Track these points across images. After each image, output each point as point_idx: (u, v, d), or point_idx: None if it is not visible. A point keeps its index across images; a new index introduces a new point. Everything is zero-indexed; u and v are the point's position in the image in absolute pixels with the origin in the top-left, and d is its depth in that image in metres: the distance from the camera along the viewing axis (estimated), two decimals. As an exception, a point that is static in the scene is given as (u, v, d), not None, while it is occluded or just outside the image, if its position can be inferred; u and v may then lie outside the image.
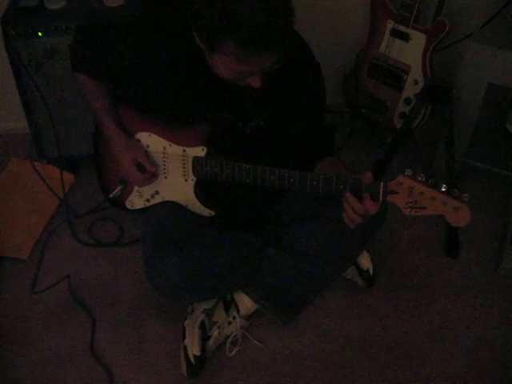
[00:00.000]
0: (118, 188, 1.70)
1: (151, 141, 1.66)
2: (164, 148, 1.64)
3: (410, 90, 2.26)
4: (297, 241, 1.72)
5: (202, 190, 1.67)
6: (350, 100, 2.51)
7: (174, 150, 1.63)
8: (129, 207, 1.79)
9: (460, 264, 2.14)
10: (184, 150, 1.62)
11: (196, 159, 1.60)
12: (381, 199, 1.40)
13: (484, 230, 2.26)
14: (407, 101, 2.27)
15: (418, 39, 2.18)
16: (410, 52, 2.22)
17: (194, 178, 1.64)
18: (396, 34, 2.24)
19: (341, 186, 1.43)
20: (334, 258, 1.73)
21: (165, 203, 1.72)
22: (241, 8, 1.22)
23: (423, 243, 2.20)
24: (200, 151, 1.60)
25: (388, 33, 2.26)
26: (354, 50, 2.48)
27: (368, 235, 1.74)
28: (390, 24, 2.24)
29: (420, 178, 1.37)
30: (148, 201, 1.75)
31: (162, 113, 1.64)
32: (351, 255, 1.83)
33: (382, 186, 1.39)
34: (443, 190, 1.36)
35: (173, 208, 1.70)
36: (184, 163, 1.63)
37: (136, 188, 1.74)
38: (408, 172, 1.37)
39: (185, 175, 1.65)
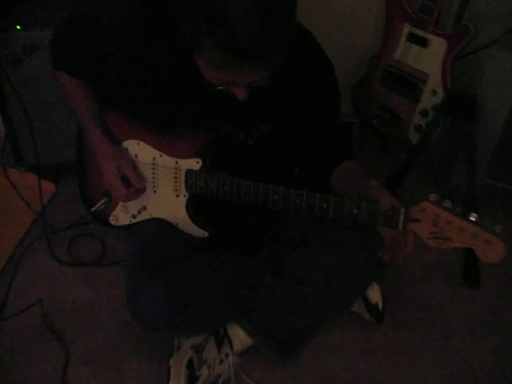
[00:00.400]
0: (102, 201, 1.57)
1: (140, 150, 1.52)
2: (154, 159, 1.51)
3: (428, 101, 2.13)
4: (299, 267, 1.57)
5: (195, 207, 1.53)
6: (359, 111, 2.38)
7: (166, 161, 1.50)
8: (113, 223, 1.66)
9: (480, 296, 1.96)
10: (176, 162, 1.48)
11: (189, 173, 1.47)
12: (400, 228, 1.24)
13: (508, 257, 2.06)
14: (424, 113, 2.13)
15: (438, 45, 2.05)
16: (428, 59, 2.10)
17: (187, 194, 1.50)
18: (413, 39, 2.11)
19: (354, 211, 1.27)
20: (341, 288, 1.56)
21: (153, 220, 1.58)
22: (228, 8, 1.07)
23: (438, 271, 2.03)
24: (194, 164, 1.46)
25: (404, 37, 2.14)
26: (365, 56, 2.36)
27: (380, 263, 1.53)
28: (407, 28, 2.12)
29: (446, 205, 1.20)
30: (134, 217, 1.61)
31: (154, 120, 1.51)
32: (360, 285, 1.66)
33: (402, 213, 1.23)
34: (473, 219, 1.19)
35: (161, 226, 1.56)
36: (176, 177, 1.50)
37: (121, 202, 1.60)
38: (432, 197, 1.21)
39: (176, 190, 1.51)
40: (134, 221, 1.61)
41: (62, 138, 2.11)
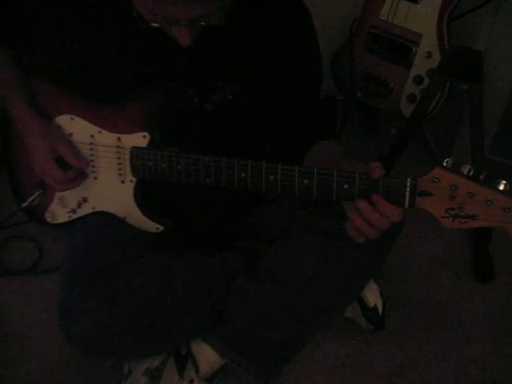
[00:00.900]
0: (35, 194, 1.36)
1: (75, 127, 1.30)
2: (92, 136, 1.30)
3: (422, 65, 1.93)
4: (279, 265, 1.32)
5: (145, 195, 1.31)
6: (341, 83, 2.18)
7: (106, 138, 1.29)
8: (49, 220, 1.43)
9: (497, 293, 1.73)
10: (119, 139, 1.27)
11: (135, 151, 1.26)
12: (407, 205, 1.01)
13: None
14: (418, 79, 1.93)
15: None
16: (420, 17, 1.91)
17: (134, 179, 1.29)
18: None
19: (345, 186, 1.05)
20: (333, 288, 1.30)
21: (97, 215, 1.35)
22: None
23: (444, 264, 1.81)
24: (140, 139, 1.24)
25: None
26: (344, 21, 2.14)
27: (378, 257, 1.32)
28: None
29: (466, 171, 0.97)
30: (74, 212, 1.37)
31: (88, 86, 1.29)
32: (354, 286, 1.39)
33: (409, 185, 1.00)
34: (502, 188, 0.95)
35: (105, 222, 1.32)
36: (119, 157, 1.28)
37: (58, 194, 1.38)
38: (447, 162, 0.98)
39: (121, 175, 1.29)
40: (75, 216, 1.38)
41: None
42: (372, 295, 1.56)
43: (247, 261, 1.38)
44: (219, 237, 1.43)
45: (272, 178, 1.10)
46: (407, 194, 1.01)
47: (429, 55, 1.90)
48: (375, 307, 1.56)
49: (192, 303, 1.27)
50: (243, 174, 1.13)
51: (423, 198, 0.99)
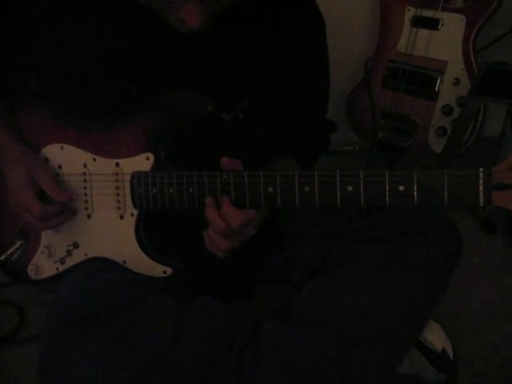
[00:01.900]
0: (16, 245, 1.21)
1: (65, 157, 1.15)
2: (85, 165, 1.13)
3: (450, 94, 1.81)
4: (316, 306, 1.08)
5: (149, 231, 1.11)
6: (358, 124, 2.05)
7: (101, 166, 1.11)
8: (32, 276, 1.22)
9: None
10: (117, 165, 1.09)
11: (137, 177, 1.07)
12: (482, 202, 0.83)
13: None
14: (446, 110, 1.80)
15: (454, 23, 1.77)
16: (443, 43, 1.81)
17: (135, 212, 1.09)
18: (420, 23, 1.83)
19: (400, 188, 0.87)
20: (382, 331, 1.06)
21: (88, 262, 1.15)
22: None
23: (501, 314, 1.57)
24: (143, 162, 1.06)
25: (408, 24, 1.86)
26: (358, 60, 2.05)
27: (438, 287, 1.10)
28: (410, 12, 1.84)
29: None
30: (62, 262, 1.18)
31: (80, 104, 1.13)
32: (413, 327, 1.14)
33: (482, 176, 0.82)
34: None
35: (101, 270, 1.11)
36: (118, 187, 1.10)
37: (43, 242, 1.19)
38: None
39: (120, 208, 1.10)
40: (63, 268, 1.18)
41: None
42: (437, 337, 1.27)
43: (273, 305, 1.17)
44: (238, 281, 1.21)
45: (307, 188, 0.92)
46: (481, 188, 0.83)
47: (457, 82, 1.80)
48: (444, 351, 1.27)
49: (212, 355, 1.02)
50: (271, 189, 0.94)
51: (501, 193, 0.81)
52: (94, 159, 1.11)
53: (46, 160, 1.16)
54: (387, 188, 0.87)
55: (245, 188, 0.97)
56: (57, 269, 1.18)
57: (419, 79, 1.88)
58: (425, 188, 0.85)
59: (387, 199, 0.87)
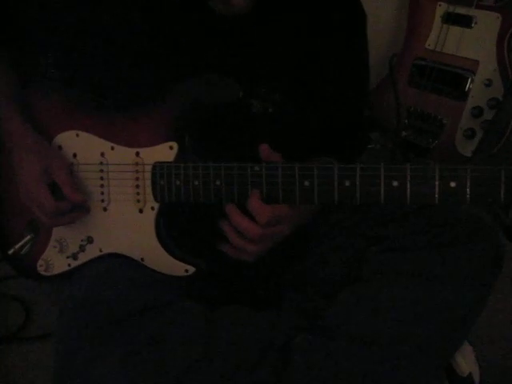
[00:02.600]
0: (25, 239, 1.16)
1: (80, 145, 1.09)
2: (102, 154, 1.07)
3: (480, 95, 1.76)
4: (349, 319, 1.02)
5: (170, 226, 1.06)
6: (382, 123, 2.00)
7: (120, 155, 1.05)
8: (42, 271, 1.16)
9: None
10: (137, 154, 1.03)
11: (159, 167, 1.02)
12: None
13: None
14: (476, 112, 1.75)
15: (488, 22, 1.74)
16: (475, 42, 1.77)
17: (156, 205, 1.03)
18: (451, 19, 1.79)
19: (452, 184, 0.81)
20: (423, 348, 1.00)
21: (103, 259, 1.09)
22: None
23: None
24: (166, 151, 1.00)
25: (438, 20, 1.82)
26: (383, 56, 2.00)
27: (481, 299, 1.02)
28: (442, 7, 1.80)
29: None
30: (75, 257, 1.12)
31: (98, 88, 1.10)
32: (452, 344, 1.07)
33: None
34: None
35: (117, 265, 1.06)
36: (137, 178, 1.04)
37: (54, 236, 1.14)
38: None
39: (139, 201, 1.04)
40: (75, 264, 1.12)
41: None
42: (466, 360, 1.20)
43: (303, 314, 1.10)
44: (264, 286, 1.15)
45: (348, 183, 0.86)
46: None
47: (489, 83, 1.76)
48: (470, 376, 1.20)
49: (245, 365, 0.97)
50: (307, 183, 0.88)
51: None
52: (113, 148, 1.06)
53: (60, 148, 1.12)
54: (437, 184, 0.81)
55: (278, 181, 0.90)
56: (69, 265, 1.13)
57: (448, 78, 1.84)
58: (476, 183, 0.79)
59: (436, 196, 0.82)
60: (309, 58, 1.10)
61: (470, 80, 1.79)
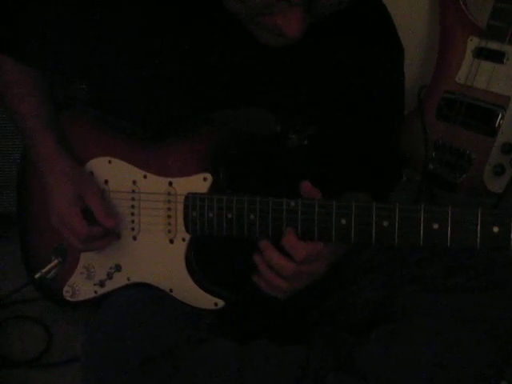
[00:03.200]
0: (52, 263, 1.14)
1: (113, 172, 1.09)
2: (134, 182, 1.07)
3: (510, 131, 1.70)
4: (382, 360, 0.99)
5: (201, 258, 1.05)
6: (409, 155, 1.94)
7: (153, 184, 1.05)
8: (68, 297, 1.15)
9: None
10: (170, 184, 1.03)
11: (192, 199, 1.01)
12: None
13: None
14: (507, 148, 1.69)
15: None
16: (507, 78, 1.70)
17: (187, 237, 1.02)
18: (483, 54, 1.73)
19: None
20: None
21: (130, 288, 1.08)
22: None
23: None
24: (200, 183, 1.00)
25: (470, 55, 1.75)
26: (411, 87, 1.91)
27: None
28: (473, 42, 1.74)
29: None
30: (102, 285, 1.12)
31: (133, 115, 1.08)
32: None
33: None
34: None
35: (143, 296, 1.05)
36: (169, 208, 1.03)
37: (82, 262, 1.12)
38: None
39: (170, 232, 1.04)
40: (102, 291, 1.12)
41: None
42: None
43: (332, 351, 1.06)
44: (293, 320, 1.13)
45: (386, 223, 0.84)
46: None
47: None
48: None
49: None
50: (344, 221, 0.87)
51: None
52: (145, 176, 1.05)
53: (91, 174, 1.11)
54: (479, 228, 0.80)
55: (314, 218, 0.89)
56: (95, 292, 1.12)
57: (478, 113, 1.78)
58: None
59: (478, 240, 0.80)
60: (347, 92, 1.08)
61: (500, 116, 1.73)
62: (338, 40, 1.02)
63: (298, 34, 0.87)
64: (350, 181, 1.11)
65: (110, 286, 1.10)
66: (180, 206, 1.01)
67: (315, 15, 0.87)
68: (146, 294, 1.04)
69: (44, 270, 1.13)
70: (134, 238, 1.07)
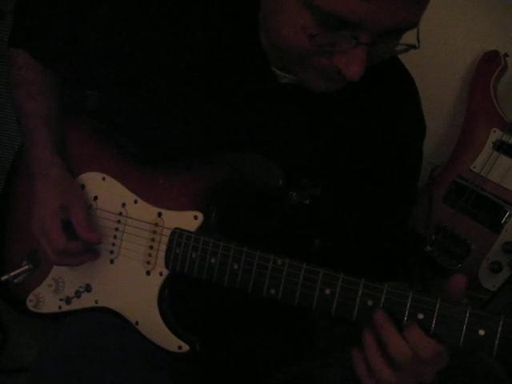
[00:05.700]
0: (22, 268, 1.11)
1: (104, 190, 1.07)
2: (123, 205, 1.05)
3: None
4: None
5: (175, 297, 1.01)
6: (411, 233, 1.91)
7: (142, 211, 1.03)
8: (31, 307, 1.13)
9: None
10: (159, 215, 1.00)
11: (178, 234, 0.98)
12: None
13: None
14: (508, 247, 1.67)
15: None
16: None
17: (165, 272, 0.99)
18: (504, 149, 1.73)
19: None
20: None
21: (95, 312, 1.05)
22: None
23: None
24: (189, 220, 0.97)
25: (490, 146, 1.75)
26: (425, 165, 1.88)
27: None
28: (496, 134, 1.74)
29: None
30: (68, 301, 1.09)
31: (137, 136, 1.08)
32: None
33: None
34: None
35: (108, 324, 1.02)
36: (153, 239, 1.00)
37: (52, 274, 1.10)
38: None
39: (149, 263, 1.01)
40: (67, 308, 1.08)
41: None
42: None
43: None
44: (256, 378, 1.09)
45: (370, 303, 0.81)
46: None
47: None
48: None
49: None
50: (328, 291, 0.84)
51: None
52: (136, 201, 1.03)
53: (83, 187, 1.09)
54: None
55: (298, 281, 0.86)
56: (59, 307, 1.09)
57: (486, 206, 1.77)
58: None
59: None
60: (358, 161, 1.05)
61: (508, 214, 1.72)
62: (359, 105, 1.01)
63: (358, 75, 0.82)
64: (348, 253, 1.07)
65: (76, 304, 1.07)
66: (164, 240, 0.98)
67: (370, 60, 0.84)
68: (110, 323, 1.01)
69: (12, 274, 1.10)
70: (111, 262, 1.04)
